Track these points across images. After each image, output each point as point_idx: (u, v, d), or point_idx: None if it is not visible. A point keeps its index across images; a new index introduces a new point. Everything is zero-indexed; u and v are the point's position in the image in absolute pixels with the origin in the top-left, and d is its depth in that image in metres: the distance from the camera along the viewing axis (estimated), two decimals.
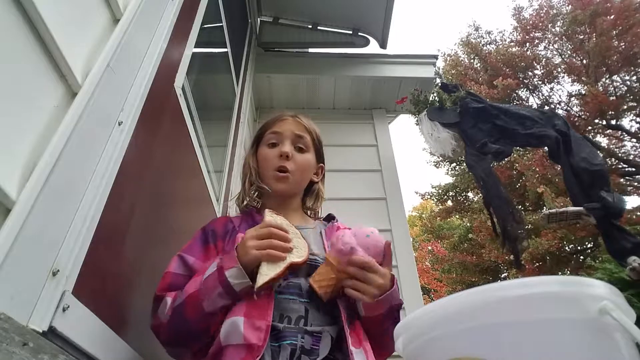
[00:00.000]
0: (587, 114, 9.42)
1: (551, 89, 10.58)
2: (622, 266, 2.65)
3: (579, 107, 9.93)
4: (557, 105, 10.34)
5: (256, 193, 0.93)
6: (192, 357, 0.73)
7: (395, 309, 0.74)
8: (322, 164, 1.02)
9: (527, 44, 10.72)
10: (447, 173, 12.04)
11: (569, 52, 10.21)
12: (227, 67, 2.14)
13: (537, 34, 10.63)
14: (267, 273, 0.68)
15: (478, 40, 11.56)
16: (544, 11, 10.65)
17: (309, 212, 1.00)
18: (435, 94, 2.96)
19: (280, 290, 0.75)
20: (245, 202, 0.95)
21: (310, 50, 3.12)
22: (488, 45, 11.39)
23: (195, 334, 0.70)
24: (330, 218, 0.97)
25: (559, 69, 10.31)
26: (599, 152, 2.77)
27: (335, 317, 0.74)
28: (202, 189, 1.49)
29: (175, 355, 0.77)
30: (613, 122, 9.47)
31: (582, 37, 9.67)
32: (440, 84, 3.04)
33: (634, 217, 7.61)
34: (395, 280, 0.75)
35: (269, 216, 0.79)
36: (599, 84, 9.32)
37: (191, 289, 0.71)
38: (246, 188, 0.94)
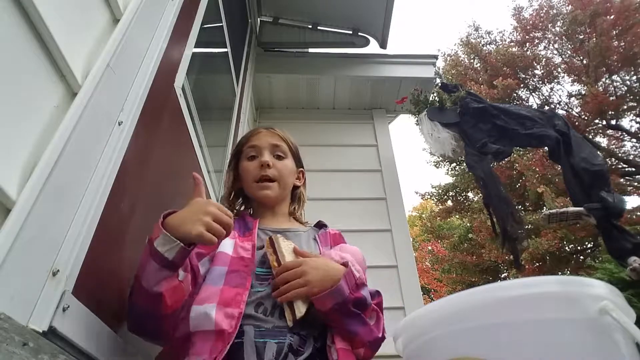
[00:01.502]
0: (587, 114, 9.42)
1: (551, 89, 10.58)
2: (622, 266, 2.65)
3: (579, 107, 9.92)
4: (557, 105, 10.33)
5: (241, 206, 1.01)
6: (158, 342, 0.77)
7: (345, 304, 0.72)
8: (302, 169, 1.07)
9: (527, 44, 10.71)
10: (447, 173, 12.04)
11: (569, 52, 10.21)
12: (227, 67, 2.14)
13: (537, 34, 10.62)
14: (301, 310, 0.71)
15: (478, 40, 11.55)
16: (544, 11, 10.64)
17: (296, 217, 1.04)
18: (435, 94, 2.96)
19: (269, 282, 0.77)
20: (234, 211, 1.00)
21: (310, 50, 3.12)
22: (488, 45, 11.37)
23: (146, 316, 0.68)
24: (321, 225, 1.01)
25: (559, 69, 10.31)
26: (599, 152, 2.76)
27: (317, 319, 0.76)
28: None
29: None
30: (613, 122, 9.46)
31: (582, 37, 9.66)
32: (440, 84, 3.04)
33: (634, 217, 7.61)
34: (346, 277, 0.74)
35: (282, 241, 0.81)
36: (599, 84, 9.31)
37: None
38: (231, 202, 1.01)
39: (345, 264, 0.78)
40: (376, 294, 0.84)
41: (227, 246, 0.80)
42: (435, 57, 3.09)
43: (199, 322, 0.68)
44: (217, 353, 0.64)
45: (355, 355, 0.74)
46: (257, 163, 0.97)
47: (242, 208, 1.03)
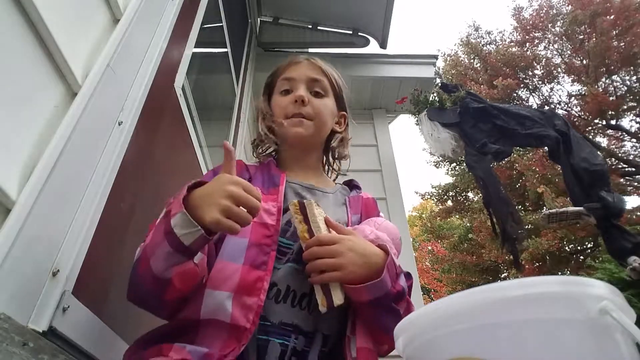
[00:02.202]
0: (587, 114, 9.42)
1: (551, 89, 10.59)
2: (622, 266, 2.65)
3: (579, 107, 9.93)
4: (557, 105, 10.34)
5: (273, 141, 0.84)
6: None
7: (385, 299, 0.62)
8: (344, 112, 0.90)
9: (527, 44, 10.71)
10: (447, 173, 12.04)
11: (569, 52, 10.21)
12: (227, 67, 2.14)
13: (537, 34, 10.62)
14: (340, 297, 0.60)
15: (478, 40, 11.55)
16: (544, 11, 10.65)
17: (329, 171, 0.90)
18: (435, 94, 2.96)
19: (289, 258, 0.66)
20: (261, 149, 0.86)
21: (310, 50, 3.12)
22: (488, 45, 11.38)
23: (149, 296, 0.59)
24: (353, 186, 0.87)
25: (559, 69, 10.31)
26: (599, 152, 2.77)
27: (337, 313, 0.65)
28: None
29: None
30: (613, 122, 9.46)
31: (582, 37, 9.67)
32: (440, 84, 3.04)
33: (634, 217, 7.61)
34: (389, 267, 0.62)
35: (316, 208, 0.65)
36: (599, 84, 9.32)
37: (148, 238, 0.59)
38: (262, 133, 0.84)
39: (383, 249, 0.65)
40: (407, 277, 0.72)
41: None
42: (435, 57, 3.09)
43: (212, 310, 0.57)
44: (229, 351, 0.54)
45: (376, 350, 0.65)
46: (292, 98, 0.81)
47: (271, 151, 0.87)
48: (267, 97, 0.88)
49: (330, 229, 0.66)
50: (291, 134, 0.80)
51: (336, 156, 0.89)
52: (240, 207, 0.54)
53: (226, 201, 0.53)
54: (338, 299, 0.59)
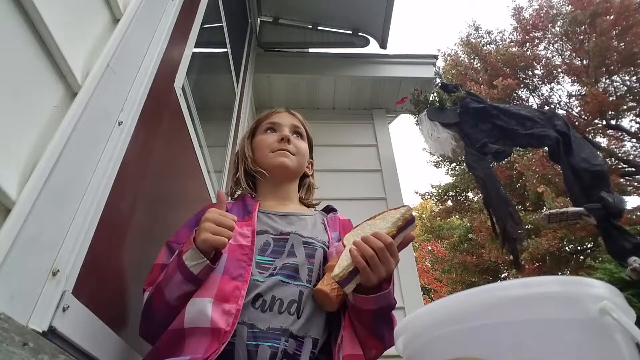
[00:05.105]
0: (587, 114, 9.42)
1: (551, 89, 10.57)
2: (622, 266, 2.65)
3: (579, 107, 9.92)
4: (557, 106, 10.33)
5: (247, 183, 0.94)
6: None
7: (386, 309, 0.69)
8: (311, 160, 1.04)
9: (527, 44, 10.70)
10: (447, 173, 12.03)
11: (569, 52, 10.21)
12: (227, 67, 2.14)
13: (537, 34, 10.61)
14: (351, 287, 0.65)
15: (478, 40, 11.54)
16: (544, 11, 10.64)
17: (305, 202, 0.99)
18: (435, 94, 2.96)
19: (272, 273, 0.73)
20: (237, 194, 0.95)
21: (310, 50, 3.12)
22: (488, 45, 11.37)
23: (159, 326, 0.67)
24: (329, 209, 0.96)
25: (559, 69, 10.31)
26: (599, 152, 2.76)
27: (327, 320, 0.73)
28: (202, 189, 1.49)
29: None
30: (613, 122, 9.46)
31: (582, 37, 9.66)
32: (440, 84, 3.04)
33: (634, 217, 7.61)
34: (393, 280, 0.70)
35: (411, 229, 0.72)
36: (599, 84, 9.31)
37: (160, 277, 0.71)
38: (240, 177, 0.94)
39: None
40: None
41: None
42: (435, 57, 3.09)
43: (194, 317, 0.65)
44: (212, 352, 0.60)
45: (366, 354, 0.70)
46: (277, 136, 0.93)
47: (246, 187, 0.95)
48: (250, 140, 0.99)
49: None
50: (277, 162, 0.90)
51: (303, 195, 0.99)
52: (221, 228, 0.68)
53: (207, 223, 0.68)
54: (348, 288, 0.65)
